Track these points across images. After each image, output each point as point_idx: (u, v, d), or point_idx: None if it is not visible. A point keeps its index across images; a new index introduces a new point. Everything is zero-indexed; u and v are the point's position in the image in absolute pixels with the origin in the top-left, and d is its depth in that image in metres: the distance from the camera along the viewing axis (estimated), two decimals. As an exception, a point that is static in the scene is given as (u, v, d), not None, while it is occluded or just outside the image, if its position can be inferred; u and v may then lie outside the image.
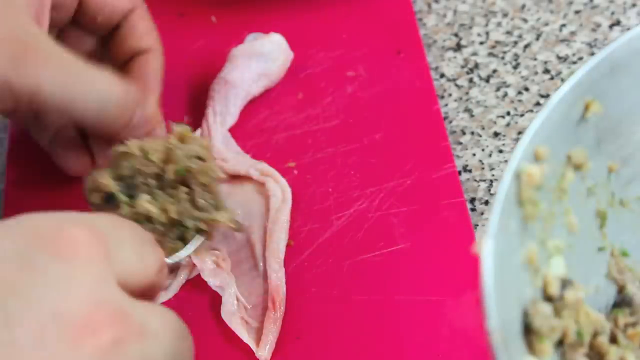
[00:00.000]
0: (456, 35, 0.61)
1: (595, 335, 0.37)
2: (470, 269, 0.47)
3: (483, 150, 0.54)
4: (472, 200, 0.52)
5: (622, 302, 0.40)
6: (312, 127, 0.56)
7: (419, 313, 0.46)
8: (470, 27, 0.61)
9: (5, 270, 0.30)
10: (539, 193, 0.35)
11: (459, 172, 0.53)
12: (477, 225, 0.51)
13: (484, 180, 0.53)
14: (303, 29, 0.60)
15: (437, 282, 0.47)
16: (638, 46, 0.39)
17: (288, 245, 0.50)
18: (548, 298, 0.35)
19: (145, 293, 0.35)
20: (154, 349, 0.32)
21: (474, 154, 0.54)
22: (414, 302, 0.46)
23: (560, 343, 0.35)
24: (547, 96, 0.56)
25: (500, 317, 0.31)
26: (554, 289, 0.35)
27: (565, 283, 0.35)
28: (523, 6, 0.62)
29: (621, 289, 0.40)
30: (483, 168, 0.53)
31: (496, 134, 0.55)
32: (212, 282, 0.48)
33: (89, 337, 0.30)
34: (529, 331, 0.34)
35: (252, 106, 0.57)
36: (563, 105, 0.37)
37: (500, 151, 0.54)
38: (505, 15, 0.61)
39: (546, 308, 0.34)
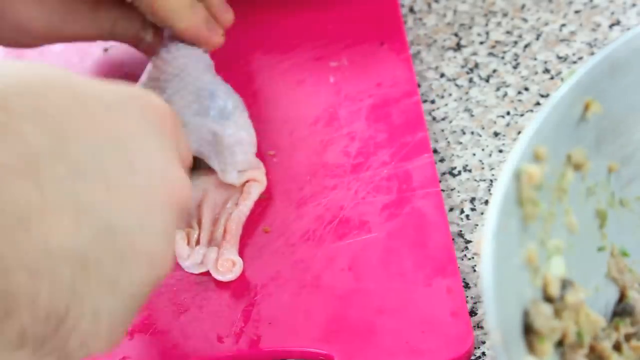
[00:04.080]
0: (456, 35, 0.61)
1: (596, 338, 0.37)
2: (442, 258, 0.48)
3: (483, 150, 0.54)
4: (472, 200, 0.52)
5: (623, 311, 0.40)
6: (293, 116, 0.56)
7: (389, 300, 0.46)
8: (470, 27, 0.61)
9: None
10: (539, 193, 0.35)
11: (459, 172, 0.53)
12: (477, 225, 0.51)
13: (484, 180, 0.53)
14: (287, 19, 0.61)
15: (408, 270, 0.47)
16: (638, 46, 0.39)
17: (264, 232, 0.50)
18: (548, 298, 0.35)
19: None
20: None
21: (474, 154, 0.54)
22: (384, 289, 0.47)
23: (560, 343, 0.35)
24: (547, 96, 0.56)
25: (500, 317, 0.31)
26: (554, 289, 0.35)
27: (565, 283, 0.35)
28: (523, 6, 0.62)
29: (622, 296, 0.40)
30: (483, 168, 0.53)
31: (496, 134, 0.55)
32: (187, 265, 0.48)
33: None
34: (529, 331, 0.33)
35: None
36: (563, 105, 0.37)
37: (500, 151, 0.54)
38: (505, 15, 0.61)
39: (547, 308, 0.34)
